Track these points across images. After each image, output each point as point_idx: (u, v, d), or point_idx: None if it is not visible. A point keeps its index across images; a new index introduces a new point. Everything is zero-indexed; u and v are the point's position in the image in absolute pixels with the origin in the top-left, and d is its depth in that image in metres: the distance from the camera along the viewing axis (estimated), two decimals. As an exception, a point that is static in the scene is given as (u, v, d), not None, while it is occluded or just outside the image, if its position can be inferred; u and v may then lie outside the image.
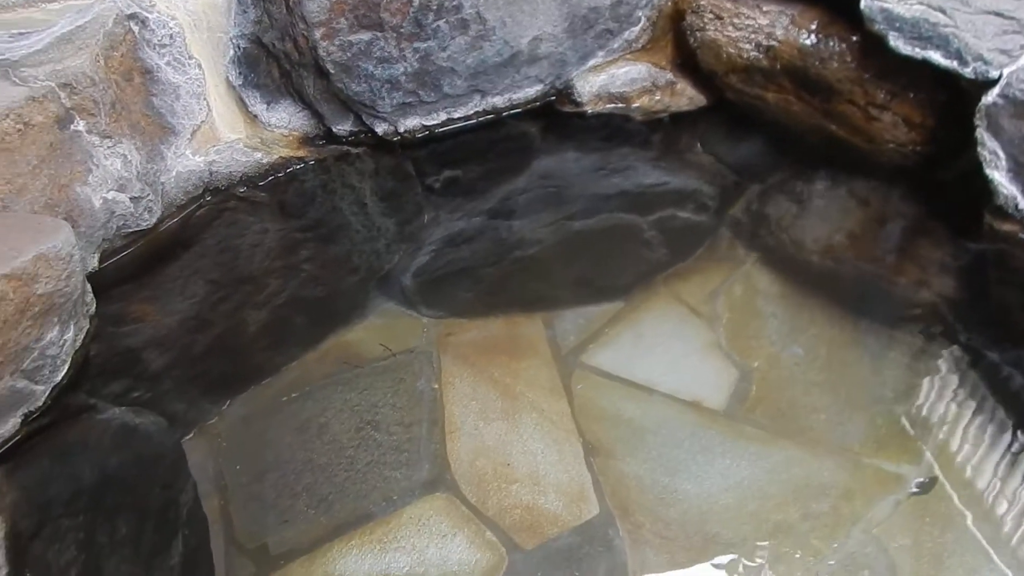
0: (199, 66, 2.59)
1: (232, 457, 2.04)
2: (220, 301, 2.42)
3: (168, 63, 2.49)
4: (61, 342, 1.81)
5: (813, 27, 2.69)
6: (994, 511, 1.88)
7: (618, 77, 2.98)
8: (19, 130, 2.04)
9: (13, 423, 1.71)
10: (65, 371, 1.86)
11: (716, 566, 1.80)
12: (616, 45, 2.96)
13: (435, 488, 1.98)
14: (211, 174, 2.62)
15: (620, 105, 3.01)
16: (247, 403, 2.17)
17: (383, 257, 2.63)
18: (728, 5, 2.82)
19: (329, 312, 2.44)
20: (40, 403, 1.79)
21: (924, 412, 2.12)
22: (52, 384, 1.82)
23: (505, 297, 2.49)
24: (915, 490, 1.92)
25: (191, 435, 2.08)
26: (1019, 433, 2.05)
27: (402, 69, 2.67)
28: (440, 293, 2.51)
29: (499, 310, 2.44)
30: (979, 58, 2.34)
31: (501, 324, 2.39)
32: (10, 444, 1.74)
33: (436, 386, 2.22)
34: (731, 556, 1.82)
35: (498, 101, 2.89)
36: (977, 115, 2.36)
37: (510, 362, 2.27)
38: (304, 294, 2.49)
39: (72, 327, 1.84)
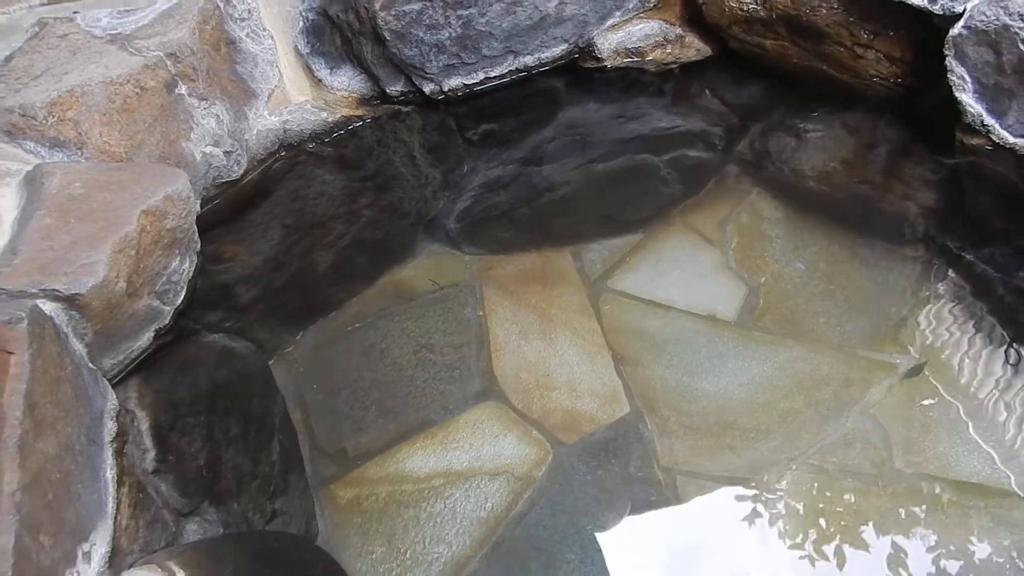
0: (271, 37, 2.69)
1: (309, 379, 2.19)
2: (294, 243, 2.52)
3: (247, 34, 2.60)
4: (181, 271, 1.96)
5: (805, -22, 2.78)
6: (971, 388, 2.03)
7: (634, 34, 3.03)
8: (137, 93, 2.18)
9: (147, 337, 1.86)
10: (183, 297, 1.99)
11: (733, 448, 1.96)
12: (631, 5, 3.00)
13: (486, 397, 2.13)
14: (285, 132, 2.72)
15: (636, 59, 3.06)
16: (318, 333, 2.31)
17: (430, 203, 2.72)
18: (730, -36, 2.90)
19: (384, 252, 2.54)
20: (166, 322, 1.93)
21: (913, 309, 2.25)
22: (174, 306, 1.95)
23: (538, 234, 2.58)
24: (905, 375, 2.07)
25: (273, 360, 2.22)
26: (993, 320, 2.19)
27: (447, 34, 2.74)
28: (480, 233, 2.61)
29: (533, 246, 2.53)
30: (946, -4, 2.43)
31: (535, 258, 2.50)
32: (145, 355, 1.89)
33: (481, 313, 2.34)
34: (746, 439, 1.97)
35: (529, 60, 2.93)
36: (946, 46, 2.45)
37: (544, 290, 2.39)
38: (363, 237, 2.59)
39: (188, 259, 1.99)
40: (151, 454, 1.66)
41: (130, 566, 1.41)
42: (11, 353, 1.28)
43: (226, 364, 2.08)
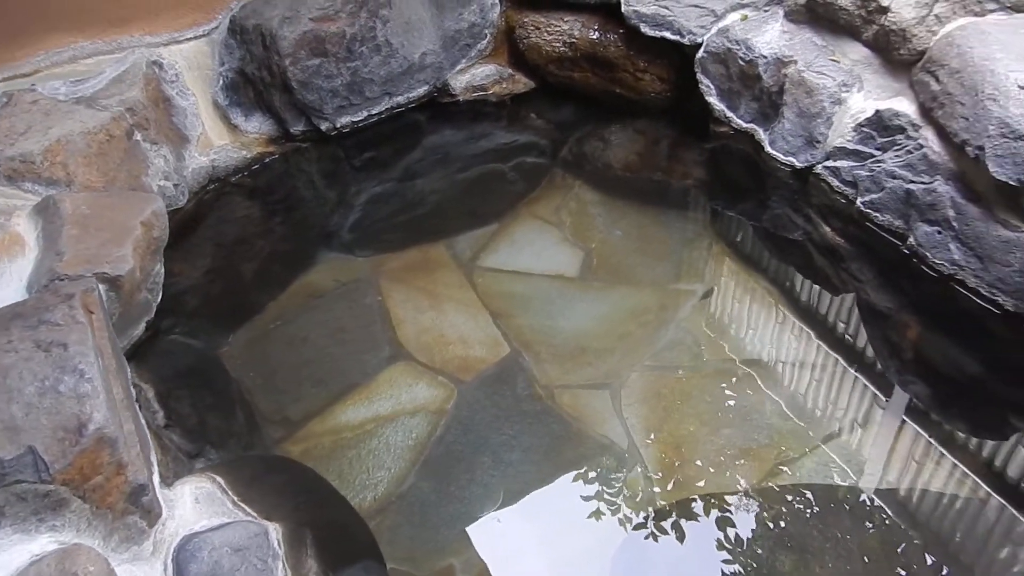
0: (194, 94, 2.87)
1: (247, 369, 2.29)
2: (224, 259, 2.64)
3: (177, 93, 2.78)
4: (160, 274, 2.10)
5: (596, 27, 3.18)
6: (742, 299, 2.50)
7: (477, 75, 3.37)
8: (108, 140, 2.32)
9: (141, 327, 2.02)
10: (160, 296, 2.14)
11: (590, 364, 2.29)
12: (473, 53, 3.36)
13: (396, 359, 2.31)
14: (213, 168, 2.88)
15: (481, 93, 3.38)
16: (247, 332, 2.40)
17: (328, 219, 2.89)
18: (542, 20, 3.25)
19: (295, 261, 2.67)
20: (152, 316, 2.08)
21: (701, 251, 2.70)
22: (156, 303, 2.10)
23: (416, 233, 2.79)
24: (702, 297, 2.51)
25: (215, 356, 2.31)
26: (750, 252, 2.68)
27: (340, 82, 2.98)
28: (370, 238, 2.79)
29: (414, 243, 2.72)
30: (690, 32, 2.93)
31: (416, 252, 2.70)
32: (138, 343, 2.05)
33: (380, 298, 2.51)
34: (599, 357, 2.31)
35: (400, 99, 3.20)
36: (696, 65, 2.96)
37: (428, 274, 2.60)
38: (278, 249, 2.73)
39: (161, 266, 2.13)
40: (160, 414, 1.84)
41: (173, 484, 1.61)
42: (92, 312, 1.47)
43: (189, 355, 2.22)
